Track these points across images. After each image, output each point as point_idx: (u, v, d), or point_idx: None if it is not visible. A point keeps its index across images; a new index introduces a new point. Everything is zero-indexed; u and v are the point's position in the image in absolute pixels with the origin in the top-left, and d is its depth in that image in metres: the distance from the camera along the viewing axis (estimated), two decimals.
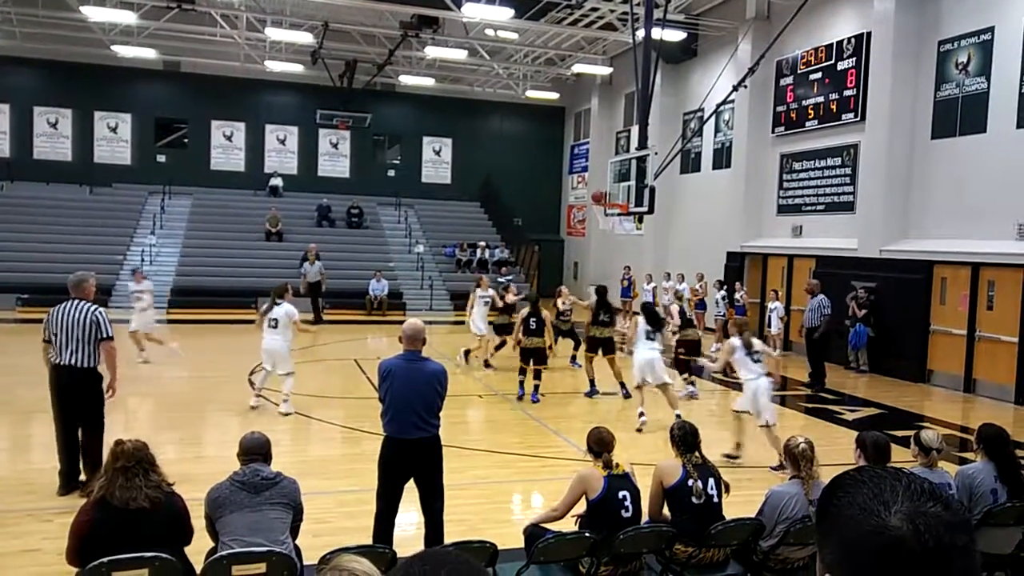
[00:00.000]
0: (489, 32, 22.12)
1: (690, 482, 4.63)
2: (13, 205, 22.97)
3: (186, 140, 26.83)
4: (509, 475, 7.90)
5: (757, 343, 8.21)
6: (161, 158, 26.38)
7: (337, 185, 27.52)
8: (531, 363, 11.03)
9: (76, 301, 6.52)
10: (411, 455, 5.02)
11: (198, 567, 3.79)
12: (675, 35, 19.72)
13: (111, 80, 25.17)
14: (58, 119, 25.42)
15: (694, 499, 4.60)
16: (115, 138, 25.98)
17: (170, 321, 18.97)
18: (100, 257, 21.52)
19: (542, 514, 4.92)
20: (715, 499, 4.68)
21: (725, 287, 17.76)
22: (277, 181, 26.77)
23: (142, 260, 21.35)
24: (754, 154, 18.52)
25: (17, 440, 9.03)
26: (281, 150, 27.64)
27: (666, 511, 4.74)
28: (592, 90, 27.36)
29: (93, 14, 19.67)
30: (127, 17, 20.05)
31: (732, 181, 19.34)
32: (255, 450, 4.17)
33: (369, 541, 4.86)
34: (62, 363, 6.37)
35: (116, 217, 23.69)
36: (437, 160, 29.40)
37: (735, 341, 8.08)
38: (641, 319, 10.07)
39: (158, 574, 3.53)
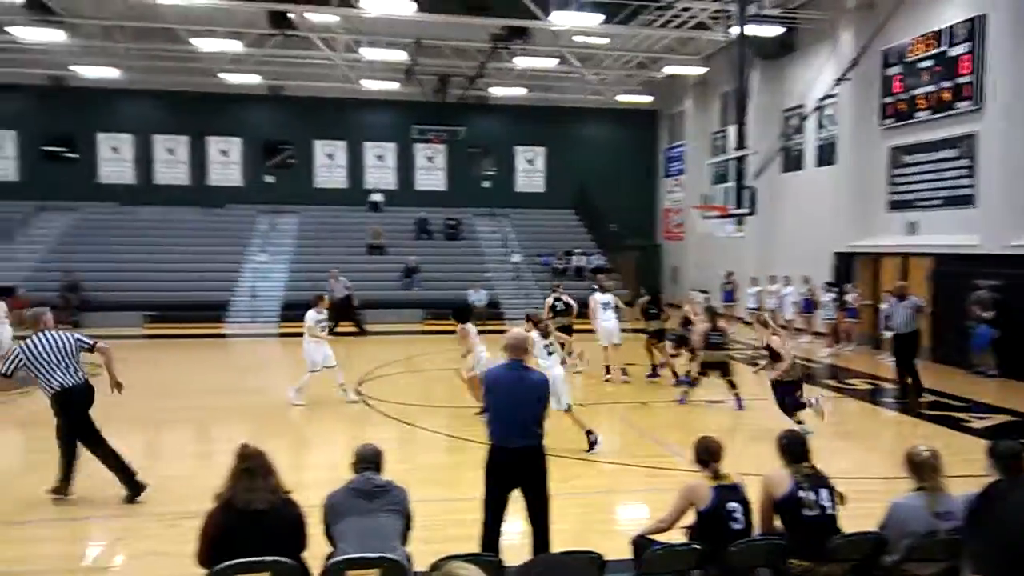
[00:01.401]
0: (579, 39, 22.12)
1: (801, 493, 4.45)
2: (137, 228, 24.64)
3: (291, 160, 28.05)
4: (613, 485, 7.84)
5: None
6: (269, 178, 27.67)
7: (434, 198, 28.12)
8: (716, 375, 10.97)
9: (44, 332, 6.90)
10: (515, 463, 5.06)
11: (315, 572, 3.95)
12: (771, 30, 19.17)
13: (221, 107, 26.64)
14: (175, 146, 27.08)
15: (806, 511, 4.43)
16: (226, 161, 27.46)
17: (281, 335, 19.87)
18: (215, 275, 22.82)
19: (649, 525, 4.85)
20: (829, 511, 4.49)
21: (835, 289, 17.05)
22: (377, 196, 27.61)
23: (254, 277, 22.43)
24: (861, 149, 17.71)
25: (148, 449, 9.63)
26: (380, 166, 28.48)
27: (778, 523, 4.58)
28: (685, 91, 26.90)
29: (204, 45, 20.92)
30: (234, 46, 21.20)
31: (837, 178, 18.56)
32: (368, 459, 4.32)
33: (477, 549, 4.92)
34: (67, 384, 6.78)
35: (229, 236, 25.02)
36: (530, 169, 29.59)
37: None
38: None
39: None
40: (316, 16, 19.83)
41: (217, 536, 3.79)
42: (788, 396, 9.28)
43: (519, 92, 26.56)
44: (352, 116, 27.81)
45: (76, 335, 7.17)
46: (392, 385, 13.02)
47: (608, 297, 13.38)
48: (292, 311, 21.52)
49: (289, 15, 19.28)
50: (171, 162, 27.11)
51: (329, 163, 28.16)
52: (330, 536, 4.12)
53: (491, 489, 5.09)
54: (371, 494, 4.15)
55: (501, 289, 23.82)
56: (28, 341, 6.86)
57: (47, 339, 6.84)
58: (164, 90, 25.93)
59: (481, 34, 21.57)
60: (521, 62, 22.76)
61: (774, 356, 9.44)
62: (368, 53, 21.97)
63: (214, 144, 27.32)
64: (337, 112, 27.44)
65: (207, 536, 3.82)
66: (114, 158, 26.67)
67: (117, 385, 7.23)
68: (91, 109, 25.94)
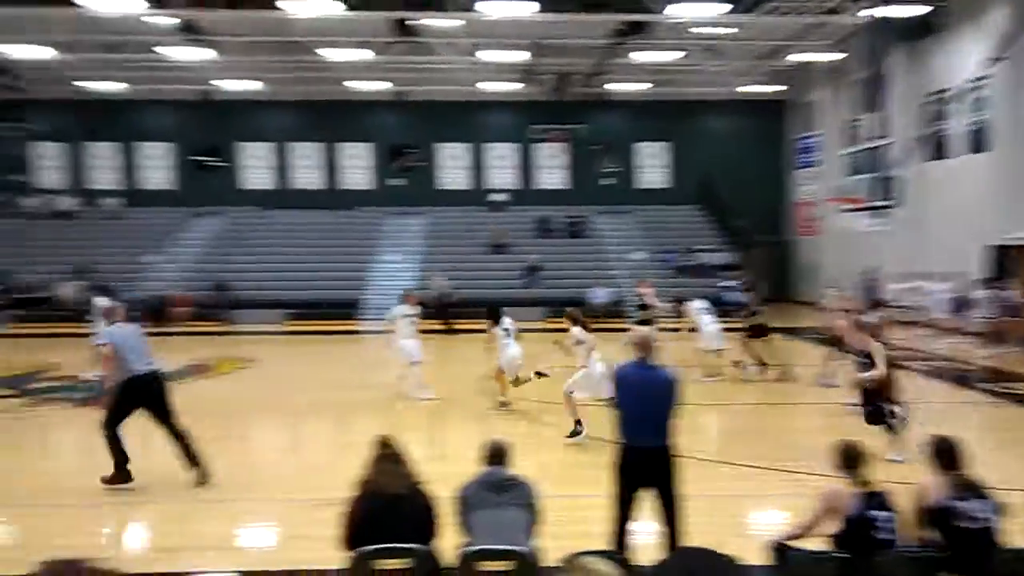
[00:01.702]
0: (701, 30, 21.55)
1: (955, 503, 4.15)
2: (277, 231, 26.18)
3: (417, 163, 28.91)
4: (748, 488, 7.60)
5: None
6: (396, 181, 28.67)
7: (555, 196, 28.22)
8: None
9: (123, 323, 7.58)
10: (644, 462, 5.01)
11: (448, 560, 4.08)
12: (911, 10, 17.95)
13: (351, 113, 27.84)
14: (309, 152, 28.55)
15: (962, 522, 4.12)
16: (356, 166, 28.67)
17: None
18: (347, 274, 23.88)
19: (788, 530, 4.67)
20: (988, 523, 4.16)
21: (992, 285, 15.75)
22: (499, 196, 28.02)
23: (384, 276, 23.31)
24: (1019, 133, 16.29)
25: (290, 438, 10.22)
26: (501, 166, 28.88)
27: (931, 534, 4.29)
28: (817, 79, 25.66)
29: (334, 55, 21.94)
30: (363, 55, 22.10)
31: (991, 165, 17.14)
32: (497, 454, 4.42)
33: (606, 547, 4.91)
34: (150, 370, 7.30)
35: (360, 237, 26.12)
36: (653, 164, 29.13)
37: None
38: None
39: (415, 565, 3.86)
40: (438, 22, 20.35)
41: (358, 520, 4.00)
42: (872, 406, 8.29)
43: (640, 87, 26.19)
44: (473, 118, 28.35)
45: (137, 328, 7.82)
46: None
47: (704, 303, 13.33)
48: (424, 309, 22.26)
49: (412, 22, 19.89)
50: (306, 168, 28.60)
51: (452, 165, 28.84)
52: (462, 527, 4.25)
53: (620, 488, 5.07)
54: (500, 488, 4.23)
55: (624, 287, 23.58)
56: (110, 329, 7.49)
57: (125, 329, 7.50)
58: (299, 100, 27.41)
59: (600, 31, 21.42)
60: (641, 57, 22.44)
61: (868, 361, 8.35)
62: (488, 55, 22.32)
63: (345, 149, 28.59)
64: (459, 115, 28.05)
65: (349, 520, 4.03)
66: (256, 165, 28.44)
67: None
68: (235, 120, 27.79)
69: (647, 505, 5.08)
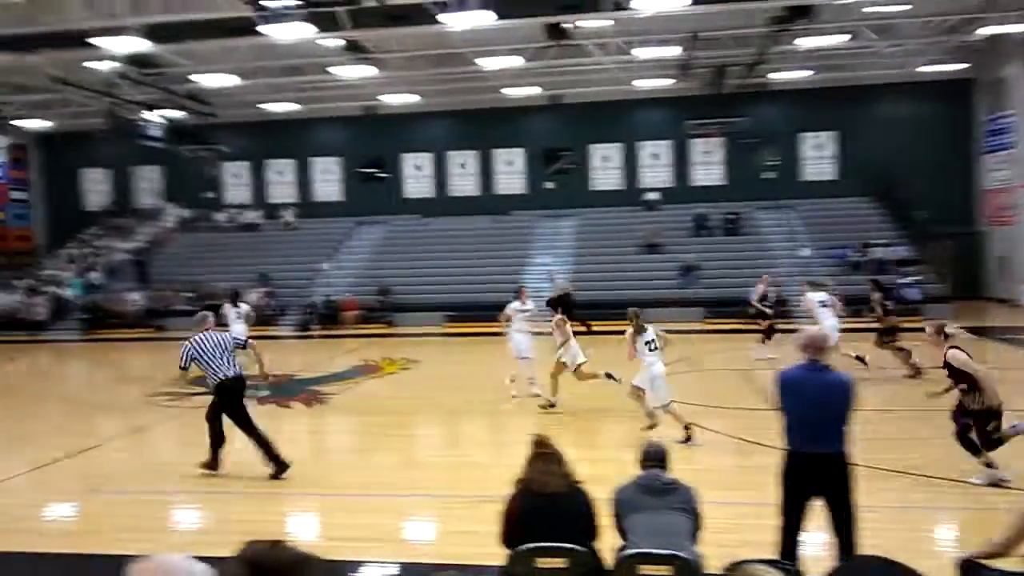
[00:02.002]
0: (873, 9, 20.07)
1: None
2: (436, 236, 27.20)
3: (570, 166, 29.00)
4: (933, 500, 6.96)
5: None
6: (549, 184, 28.92)
7: (712, 193, 27.35)
8: None
9: (208, 332, 8.10)
10: (814, 470, 4.71)
11: (606, 562, 4.02)
12: None
13: (505, 120, 28.40)
14: (465, 160, 29.43)
15: None
16: (510, 171, 29.20)
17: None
18: (503, 277, 24.33)
19: (983, 548, 4.21)
20: None
21: None
22: (653, 195, 27.55)
23: (539, 279, 23.58)
24: None
25: (449, 437, 10.54)
26: (654, 164, 28.38)
27: None
28: (1009, 53, 23.17)
29: (488, 64, 22.48)
30: (515, 62, 22.48)
31: None
32: (655, 457, 4.32)
33: (771, 556, 4.66)
34: (232, 374, 7.94)
35: (514, 241, 26.57)
36: (819, 156, 27.51)
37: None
38: None
39: (575, 565, 3.84)
40: (590, 23, 20.31)
41: (517, 518, 4.03)
42: (980, 428, 6.99)
43: (804, 75, 24.83)
44: (626, 117, 28.05)
45: (231, 335, 8.81)
46: (672, 384, 12.84)
47: (824, 295, 12.86)
48: (577, 310, 22.29)
49: (564, 25, 19.96)
50: (463, 175, 29.50)
51: (605, 165, 28.68)
52: (620, 530, 4.17)
53: (789, 496, 4.79)
54: (659, 491, 4.12)
55: (789, 285, 22.41)
56: (195, 338, 8.02)
57: (210, 338, 8.07)
58: (455, 110, 28.33)
59: (760, 18, 20.50)
60: (806, 42, 21.25)
61: (961, 378, 6.98)
62: (641, 53, 22.00)
63: (499, 155, 29.21)
64: (612, 114, 27.86)
65: (508, 518, 4.08)
66: (416, 175, 29.71)
67: (265, 376, 8.69)
68: (396, 133, 29.16)
69: (818, 515, 4.78)
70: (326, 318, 22.94)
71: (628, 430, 10.02)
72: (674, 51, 22.02)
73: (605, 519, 4.22)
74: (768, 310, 14.97)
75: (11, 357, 19.68)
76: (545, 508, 3.99)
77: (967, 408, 7.04)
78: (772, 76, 25.32)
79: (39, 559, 6.03)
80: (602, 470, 6.12)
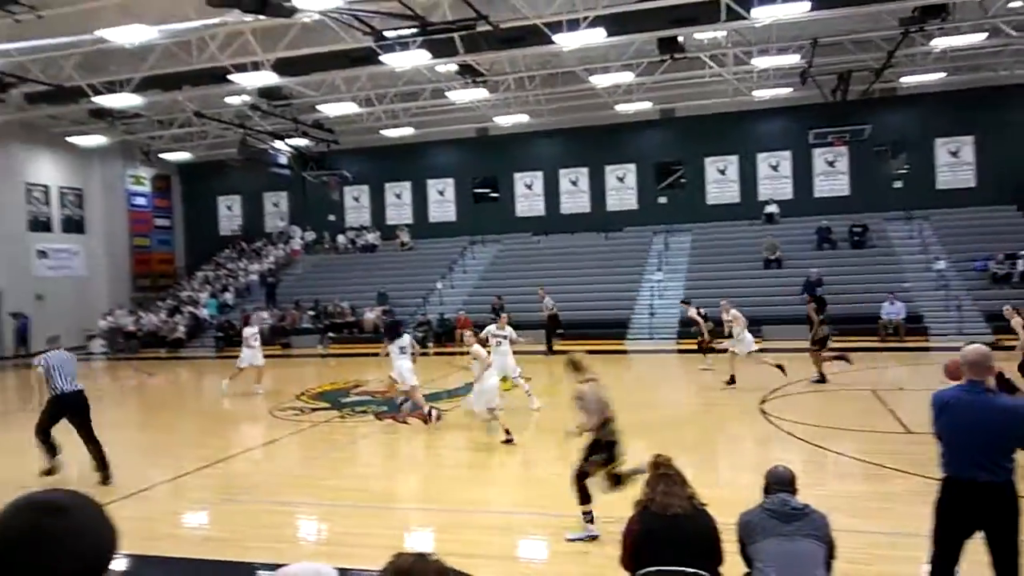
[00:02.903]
0: (1016, 4, 18.68)
1: None
2: (548, 254, 27.30)
3: (683, 180, 28.46)
4: None
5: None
6: (662, 199, 28.45)
7: (836, 205, 26.11)
8: None
9: (58, 351, 9.20)
10: (974, 500, 4.30)
11: None
12: None
13: (617, 136, 28.23)
14: (577, 177, 29.42)
15: None
16: (622, 187, 28.95)
17: (679, 351, 20.14)
18: (616, 294, 24.11)
19: None
20: None
21: None
22: (772, 208, 26.60)
23: (651, 295, 23.20)
24: None
25: (563, 455, 10.44)
26: (774, 176, 27.41)
27: None
28: None
29: (601, 81, 22.45)
30: (627, 78, 22.35)
31: None
32: (783, 481, 4.09)
33: None
34: (70, 389, 8.90)
35: (627, 257, 26.27)
36: (955, 162, 25.76)
37: None
38: None
39: None
40: (705, 34, 19.92)
41: (638, 540, 3.92)
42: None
43: (935, 77, 23.38)
44: (743, 128, 27.28)
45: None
46: (798, 405, 12.27)
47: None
48: (689, 327, 21.75)
49: (679, 38, 19.67)
50: (574, 192, 29.50)
51: (720, 178, 27.96)
52: (746, 556, 3.96)
53: (943, 528, 4.40)
54: (788, 517, 3.89)
55: (923, 300, 21.04)
56: (46, 356, 9.04)
57: (57, 356, 9.02)
58: (566, 128, 28.43)
59: (888, 21, 19.48)
60: (941, 43, 20.01)
61: None
62: (760, 62, 21.37)
63: (611, 172, 29.03)
64: (727, 126, 27.17)
65: (629, 540, 3.96)
66: (527, 194, 29.97)
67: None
68: (508, 152, 29.55)
69: (977, 548, 4.37)
70: (440, 336, 23.39)
71: (746, 453, 9.63)
72: (793, 59, 21.27)
73: (729, 544, 4.03)
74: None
75: (151, 373, 21.17)
76: (667, 530, 3.86)
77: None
78: (901, 80, 24.00)
79: (177, 564, 6.38)
80: (719, 493, 5.88)
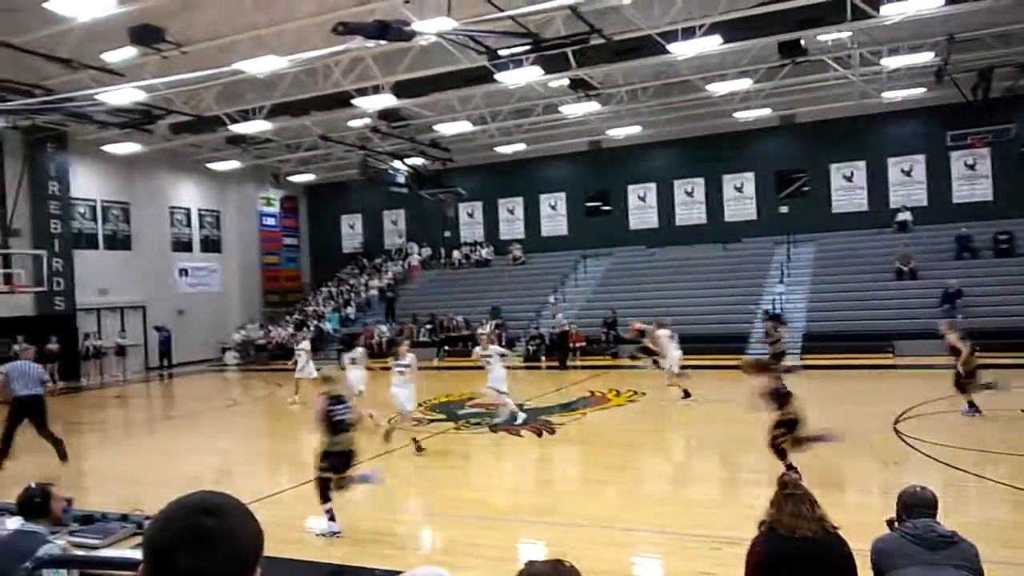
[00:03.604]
0: None
1: None
2: (663, 267, 26.82)
3: (806, 188, 27.30)
4: None
5: None
6: (783, 208, 27.38)
7: (977, 211, 24.27)
8: None
9: (20, 361, 11.26)
10: None
11: None
12: None
13: (733, 144, 27.43)
14: (693, 188, 28.78)
15: None
16: (740, 196, 28.08)
17: (804, 367, 19.25)
18: (735, 307, 23.36)
19: None
20: None
21: None
22: (905, 215, 25.07)
23: (773, 307, 22.33)
24: None
25: (679, 472, 10.16)
26: (907, 182, 25.82)
27: None
28: None
29: (718, 89, 21.93)
30: (745, 84, 21.71)
31: None
32: (926, 504, 3.78)
33: None
34: (25, 394, 10.64)
35: (747, 269, 25.41)
36: None
37: None
38: None
39: None
40: (829, 35, 19.07)
41: (763, 563, 3.71)
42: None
43: None
44: (871, 132, 25.87)
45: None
46: (936, 425, 11.43)
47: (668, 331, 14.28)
48: (814, 342, 20.78)
49: (800, 41, 18.93)
50: (689, 204, 28.87)
51: (847, 185, 26.61)
52: None
53: None
54: (933, 544, 3.59)
55: None
56: (9, 364, 11.06)
57: (17, 366, 10.87)
58: (680, 138, 27.89)
59: None
60: None
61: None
62: (890, 62, 20.23)
63: (728, 181, 28.23)
64: (853, 131, 25.84)
65: (752, 563, 3.76)
66: (640, 206, 29.58)
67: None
68: (620, 165, 29.29)
69: None
70: (553, 349, 23.39)
71: (876, 474, 9.04)
72: (927, 57, 20.01)
73: (863, 572, 3.77)
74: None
75: (279, 384, 22.24)
76: (796, 554, 3.63)
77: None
78: None
79: (306, 566, 6.64)
80: (848, 517, 5.53)
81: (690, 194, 28.81)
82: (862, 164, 26.28)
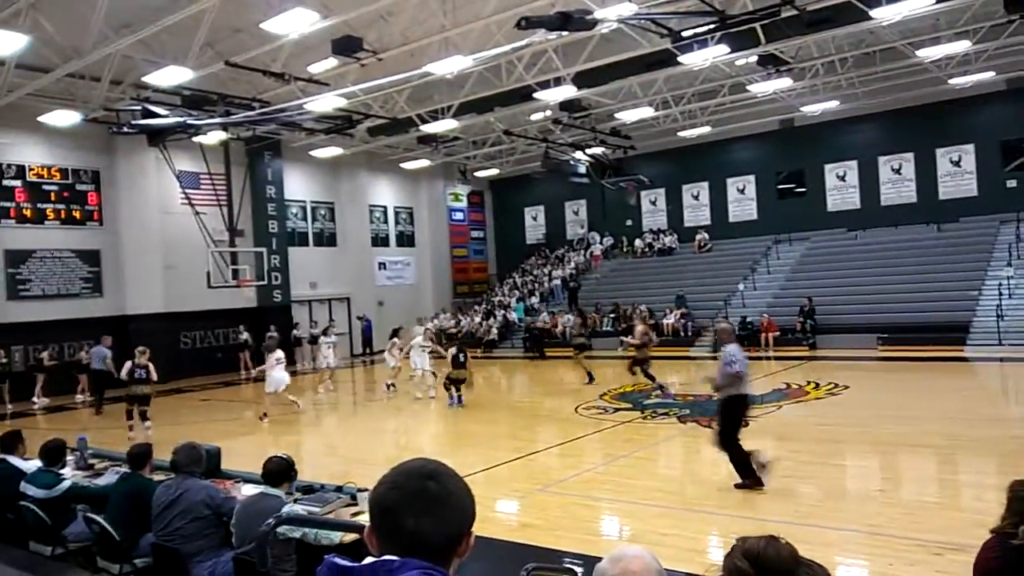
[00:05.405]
0: None
1: None
2: (866, 251, 24.81)
3: None
4: None
5: None
6: (1011, 183, 24.36)
7: None
8: None
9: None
10: None
11: None
12: None
13: (949, 114, 24.78)
14: (900, 164, 26.36)
15: None
16: (958, 171, 25.33)
17: None
18: (952, 294, 21.16)
19: None
20: None
21: None
22: None
23: (999, 294, 19.99)
24: None
25: (886, 470, 9.37)
26: None
27: None
28: None
29: (931, 54, 19.89)
30: (963, 46, 19.53)
31: None
32: None
33: None
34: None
35: (966, 252, 22.89)
36: None
37: None
38: None
39: None
40: None
41: (991, 570, 3.31)
42: None
43: None
44: None
45: None
46: None
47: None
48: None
49: None
50: (897, 181, 26.47)
51: None
52: None
53: None
54: None
55: None
56: None
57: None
58: (885, 111, 25.61)
59: None
60: None
61: None
62: None
63: (943, 155, 25.56)
64: None
65: (981, 571, 3.36)
66: (840, 186, 27.54)
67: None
68: (816, 143, 27.43)
69: None
70: (743, 339, 22.41)
71: None
72: None
73: None
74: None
75: (472, 371, 23.16)
76: None
77: None
78: None
79: (499, 545, 6.85)
80: None
81: (897, 171, 26.42)
82: None
